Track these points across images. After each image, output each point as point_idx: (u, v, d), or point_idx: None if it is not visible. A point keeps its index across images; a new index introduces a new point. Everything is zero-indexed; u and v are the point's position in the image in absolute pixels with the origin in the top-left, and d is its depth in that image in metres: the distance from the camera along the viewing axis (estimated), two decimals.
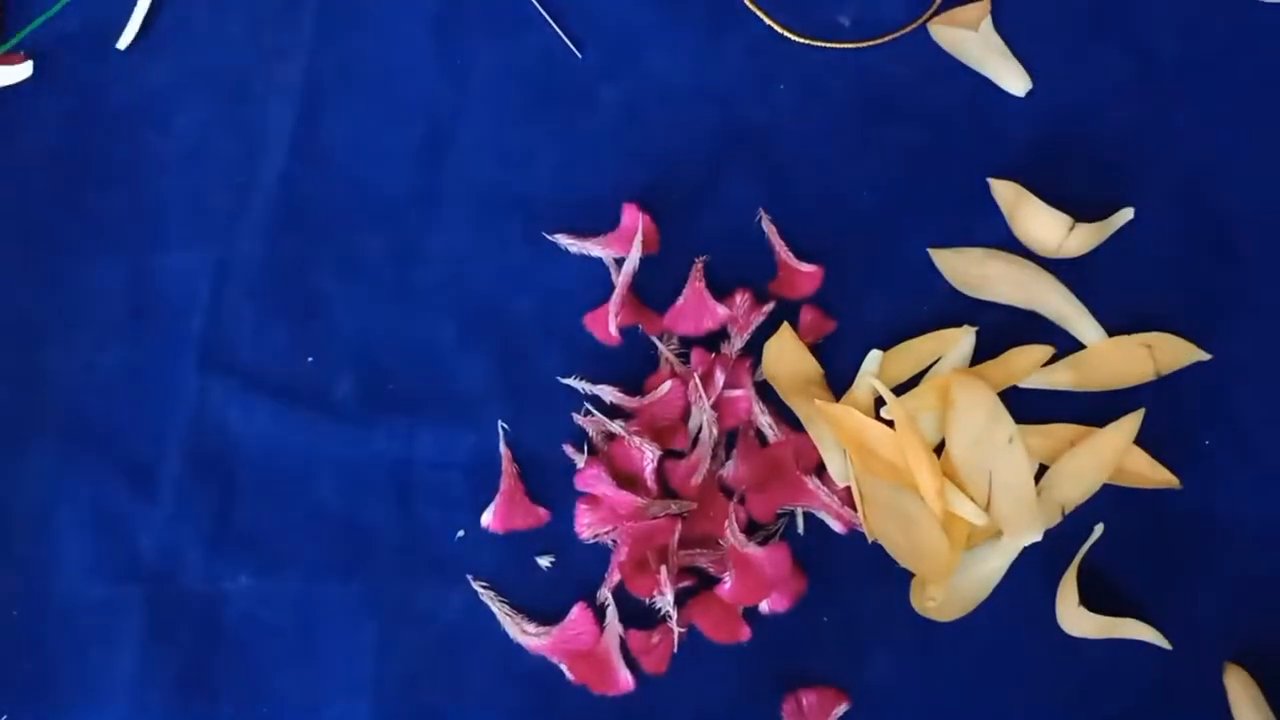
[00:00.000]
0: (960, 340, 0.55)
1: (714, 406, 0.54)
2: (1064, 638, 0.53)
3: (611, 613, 0.53)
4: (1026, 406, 0.53)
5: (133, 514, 0.55)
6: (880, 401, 0.54)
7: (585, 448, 0.54)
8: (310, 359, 0.56)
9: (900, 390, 0.54)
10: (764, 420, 0.54)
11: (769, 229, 0.57)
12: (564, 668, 0.53)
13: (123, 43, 0.57)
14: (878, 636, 0.53)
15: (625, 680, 0.53)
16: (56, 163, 0.58)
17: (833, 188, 0.58)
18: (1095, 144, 0.58)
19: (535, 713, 0.53)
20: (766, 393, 0.55)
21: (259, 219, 0.57)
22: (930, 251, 0.56)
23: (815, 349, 0.55)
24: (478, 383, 0.56)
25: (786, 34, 0.59)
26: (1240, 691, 0.52)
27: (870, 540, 0.52)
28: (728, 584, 0.52)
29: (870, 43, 0.59)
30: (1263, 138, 0.57)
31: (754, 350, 0.55)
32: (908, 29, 0.59)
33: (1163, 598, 0.54)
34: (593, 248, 0.56)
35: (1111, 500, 0.53)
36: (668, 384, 0.54)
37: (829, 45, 0.59)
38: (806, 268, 0.56)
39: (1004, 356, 0.55)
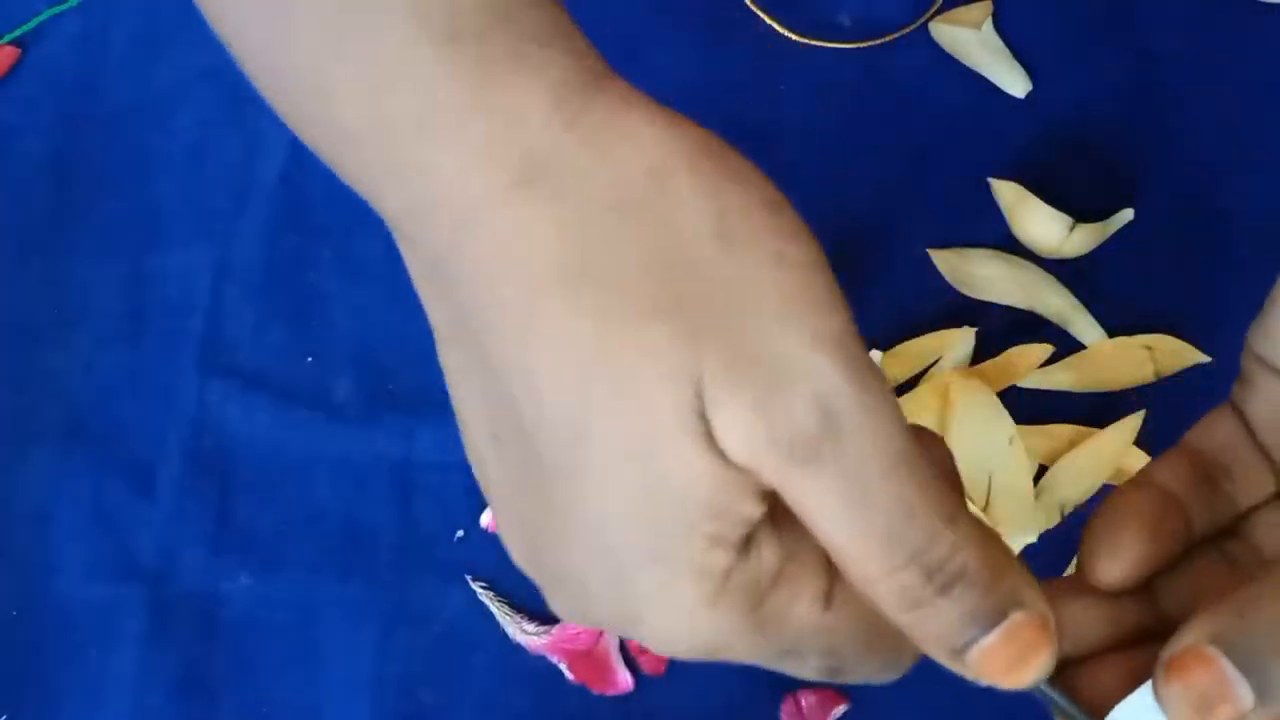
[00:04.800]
0: (960, 340, 0.55)
1: None
2: None
3: None
4: (1026, 406, 0.53)
5: (132, 514, 0.55)
6: None
7: None
8: (310, 359, 0.56)
9: (900, 390, 0.54)
10: None
11: None
12: (564, 668, 0.53)
13: None
14: None
15: (624, 680, 0.53)
16: (56, 163, 0.58)
17: (833, 187, 0.57)
18: (1095, 144, 0.58)
19: (535, 713, 0.53)
20: None
21: (259, 219, 0.57)
22: (930, 251, 0.56)
23: None
24: None
25: (787, 33, 0.59)
26: None
27: None
28: None
29: (871, 42, 0.59)
30: (1264, 138, 0.57)
31: None
32: (908, 29, 0.59)
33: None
34: None
35: None
36: None
37: (829, 45, 0.59)
38: None
39: (1004, 356, 0.55)
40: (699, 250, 0.27)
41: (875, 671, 0.31)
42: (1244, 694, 0.28)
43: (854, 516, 0.27)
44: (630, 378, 0.27)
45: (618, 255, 0.27)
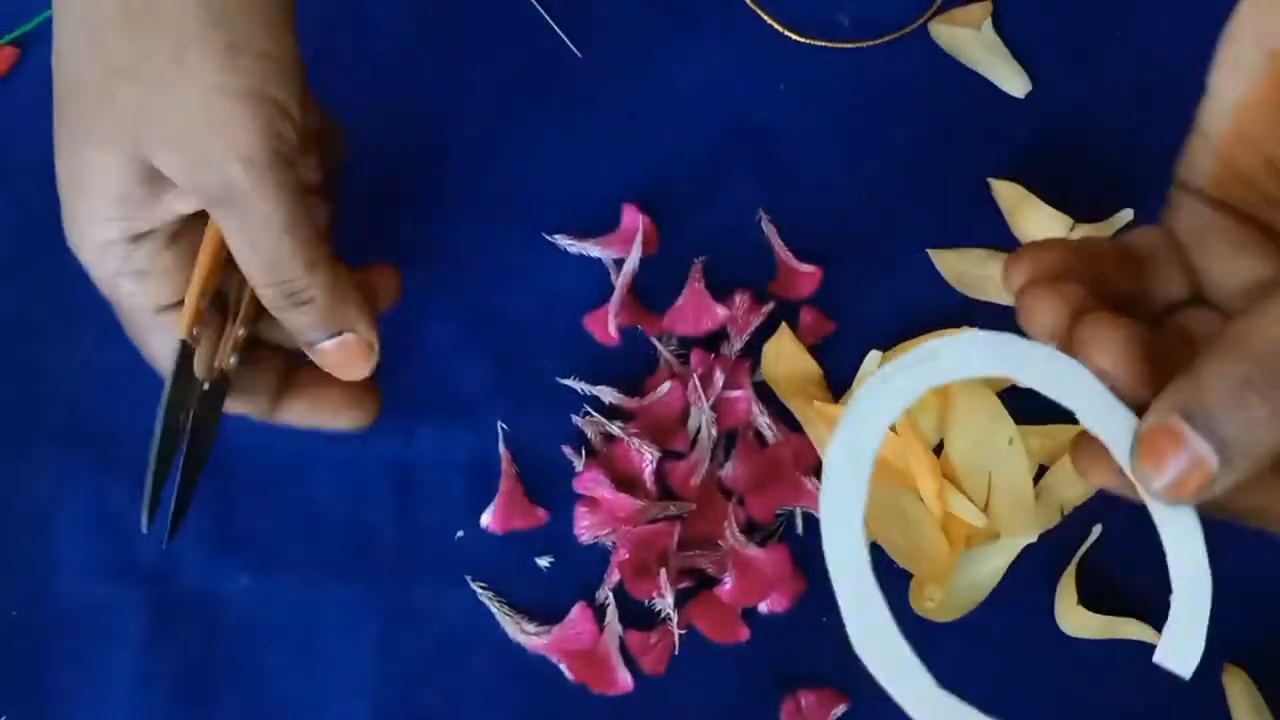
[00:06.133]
0: None
1: (713, 407, 0.54)
2: (1063, 638, 0.53)
3: (611, 613, 0.53)
4: (1026, 407, 0.53)
5: (132, 514, 0.54)
6: None
7: (584, 449, 0.54)
8: None
9: None
10: (763, 421, 0.54)
11: (769, 229, 0.57)
12: (563, 667, 0.53)
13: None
14: None
15: (624, 680, 0.53)
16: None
17: (833, 188, 0.58)
18: (1095, 144, 0.58)
19: (535, 712, 0.53)
20: (765, 393, 0.55)
21: None
22: (930, 252, 0.56)
23: (814, 350, 0.55)
24: (477, 383, 0.56)
25: (787, 33, 0.59)
26: (1239, 692, 0.52)
27: (869, 540, 0.52)
28: (727, 584, 0.52)
29: (870, 42, 0.59)
30: None
31: (753, 351, 0.55)
32: (908, 29, 0.59)
33: (1162, 598, 0.53)
34: (592, 248, 0.56)
35: (1110, 501, 0.53)
36: (667, 385, 0.54)
37: (829, 45, 0.59)
38: (806, 268, 0.56)
39: None
40: (163, 65, 0.42)
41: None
42: (1209, 456, 0.33)
43: (246, 251, 0.44)
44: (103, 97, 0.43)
45: (109, 51, 0.42)
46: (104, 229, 0.44)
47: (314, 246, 0.45)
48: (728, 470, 0.54)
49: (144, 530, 0.47)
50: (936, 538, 0.52)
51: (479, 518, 0.54)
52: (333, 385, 0.49)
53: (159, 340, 0.47)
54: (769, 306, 0.56)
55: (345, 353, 0.47)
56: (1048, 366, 0.36)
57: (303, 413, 0.50)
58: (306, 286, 0.45)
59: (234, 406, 0.49)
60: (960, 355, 0.37)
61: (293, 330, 0.46)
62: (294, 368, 0.50)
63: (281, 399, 0.49)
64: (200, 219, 0.46)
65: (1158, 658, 0.36)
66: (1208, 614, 0.36)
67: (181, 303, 0.46)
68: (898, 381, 0.37)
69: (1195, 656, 0.36)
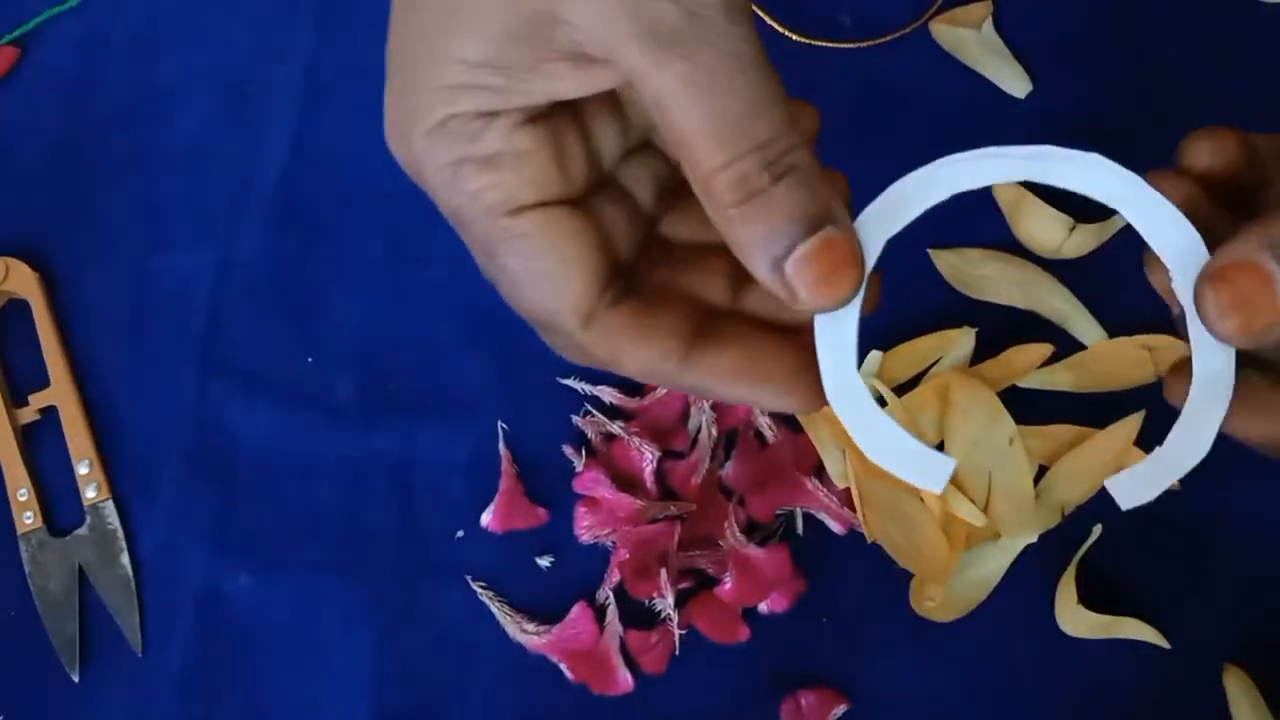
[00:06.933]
0: (960, 341, 0.55)
1: (713, 407, 0.54)
2: (1063, 638, 0.53)
3: (611, 612, 0.53)
4: (1026, 407, 0.53)
5: (133, 514, 0.55)
6: (880, 402, 0.54)
7: (584, 449, 0.54)
8: (310, 359, 0.56)
9: (900, 391, 0.54)
10: (763, 421, 0.54)
11: None
12: (564, 667, 0.53)
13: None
14: (877, 637, 0.53)
15: (625, 680, 0.53)
16: (56, 163, 0.58)
17: None
18: (1095, 145, 0.57)
19: (535, 712, 0.53)
20: None
21: (259, 219, 0.57)
22: (930, 251, 0.56)
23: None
24: (478, 383, 0.56)
25: (786, 33, 0.59)
26: (1240, 692, 0.52)
27: (870, 541, 0.52)
28: (727, 584, 0.52)
29: (871, 42, 0.59)
30: None
31: None
32: (908, 29, 0.59)
33: (1162, 598, 0.53)
34: None
35: (1111, 501, 0.53)
36: None
37: (829, 45, 0.59)
38: None
39: (1003, 356, 0.55)
40: None
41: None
42: None
43: (707, 102, 0.30)
44: None
45: None
46: (450, 100, 0.32)
47: (786, 96, 0.32)
48: (728, 470, 0.54)
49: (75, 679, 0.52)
50: (936, 538, 0.52)
51: (479, 518, 0.54)
52: (769, 342, 0.34)
53: (517, 254, 0.33)
54: None
55: (831, 258, 0.32)
56: (1157, 215, 0.35)
57: (726, 370, 0.34)
58: (790, 148, 0.31)
59: (625, 353, 0.34)
60: (1080, 171, 0.36)
61: (751, 240, 0.31)
62: (710, 314, 0.35)
63: (695, 347, 0.34)
64: (556, 111, 0.33)
65: (1109, 481, 0.34)
66: (1182, 474, 0.33)
67: (542, 204, 0.33)
68: (995, 163, 0.35)
69: (1143, 499, 0.34)
